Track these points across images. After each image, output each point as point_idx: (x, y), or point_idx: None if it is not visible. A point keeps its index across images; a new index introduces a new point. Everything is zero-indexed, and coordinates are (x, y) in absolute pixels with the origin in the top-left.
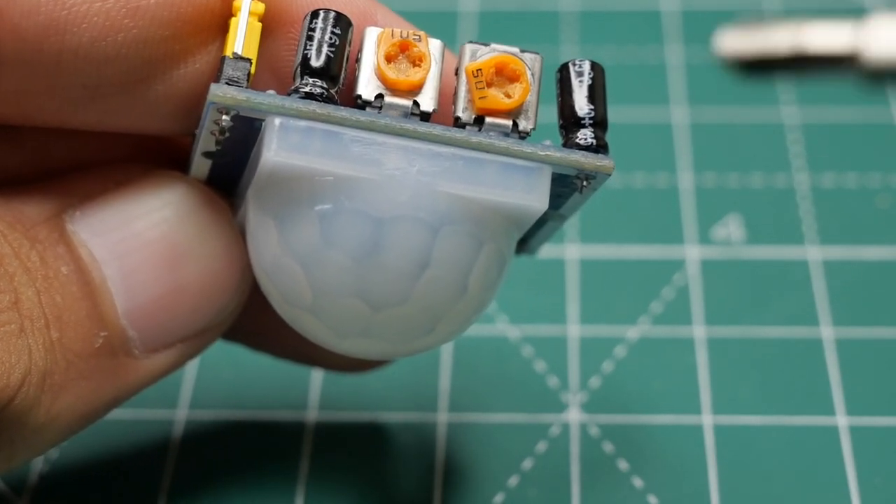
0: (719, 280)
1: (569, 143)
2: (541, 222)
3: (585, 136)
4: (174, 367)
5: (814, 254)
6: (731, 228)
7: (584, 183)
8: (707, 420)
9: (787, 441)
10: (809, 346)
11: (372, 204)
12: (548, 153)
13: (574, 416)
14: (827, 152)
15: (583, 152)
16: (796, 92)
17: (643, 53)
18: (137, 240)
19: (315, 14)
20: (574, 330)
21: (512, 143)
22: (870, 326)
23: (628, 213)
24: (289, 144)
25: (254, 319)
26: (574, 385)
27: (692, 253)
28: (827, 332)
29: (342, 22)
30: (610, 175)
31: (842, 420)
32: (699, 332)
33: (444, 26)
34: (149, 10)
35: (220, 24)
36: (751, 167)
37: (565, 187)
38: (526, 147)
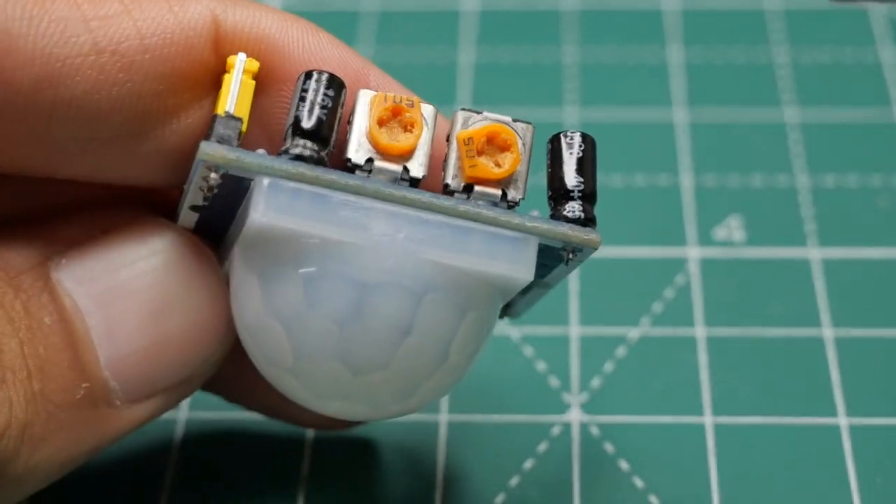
0: (720, 280)
1: (556, 215)
2: (526, 290)
3: (573, 208)
4: (155, 415)
5: (814, 254)
6: (732, 229)
7: (571, 255)
8: (708, 420)
9: (788, 441)
10: (809, 346)
11: (357, 268)
12: (535, 224)
13: (575, 416)
14: (827, 152)
15: (570, 225)
16: (797, 91)
17: (643, 53)
18: (123, 289)
19: (309, 75)
20: (575, 330)
21: (499, 213)
22: (870, 326)
23: (629, 214)
24: (276, 206)
25: (232, 371)
26: (575, 385)
27: (693, 253)
28: (827, 332)
29: (335, 84)
30: (596, 249)
31: (842, 420)
32: (700, 332)
33: (444, 26)
34: (143, 65)
35: (214, 80)
36: (751, 168)
37: (551, 257)
38: (513, 218)
